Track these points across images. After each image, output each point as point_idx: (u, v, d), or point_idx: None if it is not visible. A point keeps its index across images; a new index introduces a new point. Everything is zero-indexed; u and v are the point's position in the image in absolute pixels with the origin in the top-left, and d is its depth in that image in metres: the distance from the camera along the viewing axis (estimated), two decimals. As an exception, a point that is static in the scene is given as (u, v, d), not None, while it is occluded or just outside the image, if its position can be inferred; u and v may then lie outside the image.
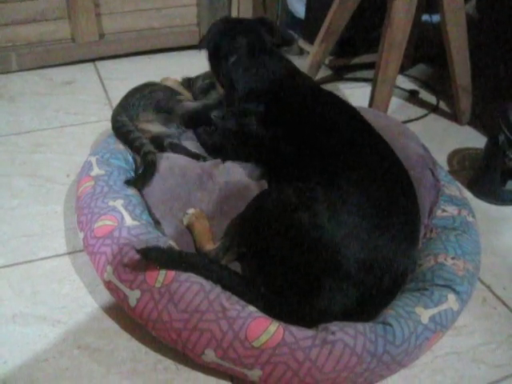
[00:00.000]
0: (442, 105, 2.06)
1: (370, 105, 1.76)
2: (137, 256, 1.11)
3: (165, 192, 1.35)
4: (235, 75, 1.45)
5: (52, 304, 1.20)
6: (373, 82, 1.75)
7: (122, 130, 1.48)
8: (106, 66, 2.16)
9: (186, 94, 1.61)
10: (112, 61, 2.19)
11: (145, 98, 1.50)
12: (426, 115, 1.98)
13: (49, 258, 1.31)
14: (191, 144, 1.54)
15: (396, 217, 1.11)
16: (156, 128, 1.50)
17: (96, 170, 1.37)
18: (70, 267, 1.29)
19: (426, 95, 2.13)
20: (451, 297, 1.13)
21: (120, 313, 1.16)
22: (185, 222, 1.31)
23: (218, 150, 1.49)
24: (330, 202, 1.09)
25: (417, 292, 1.14)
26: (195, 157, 1.47)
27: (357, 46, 2.16)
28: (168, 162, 1.42)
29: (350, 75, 2.21)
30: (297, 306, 1.07)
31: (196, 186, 1.38)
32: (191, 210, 1.32)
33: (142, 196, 1.35)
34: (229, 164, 1.45)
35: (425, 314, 1.08)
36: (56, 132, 1.75)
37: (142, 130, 1.49)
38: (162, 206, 1.33)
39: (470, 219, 1.34)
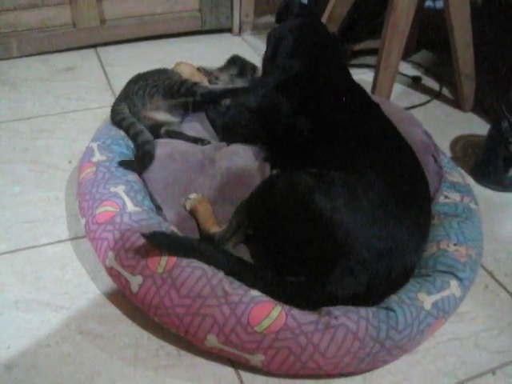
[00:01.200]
0: (445, 91, 2.05)
1: (373, 91, 1.75)
2: (139, 242, 1.11)
3: (166, 178, 1.35)
4: (289, 34, 1.51)
5: (54, 290, 1.20)
6: (375, 68, 1.74)
7: (116, 118, 1.49)
8: (107, 52, 2.15)
9: (202, 79, 1.59)
10: (113, 46, 2.17)
11: (149, 86, 1.49)
12: (428, 101, 1.96)
13: (51, 244, 1.31)
14: (192, 127, 1.54)
15: (412, 207, 1.12)
16: (160, 116, 1.49)
17: (97, 156, 1.36)
18: (72, 253, 1.29)
19: (428, 81, 2.11)
20: (453, 283, 1.12)
21: (122, 299, 1.16)
22: (188, 207, 1.31)
23: (228, 130, 1.49)
24: (348, 187, 1.09)
25: (419, 278, 1.14)
26: (194, 141, 1.46)
27: (359, 32, 2.14)
28: (169, 147, 1.41)
29: (352, 61, 2.18)
30: (306, 288, 1.07)
31: (197, 171, 1.38)
32: (193, 195, 1.32)
33: (144, 182, 1.35)
34: (232, 148, 1.45)
35: (427, 300, 1.08)
36: (58, 118, 1.74)
37: (145, 118, 1.49)
38: (163, 192, 1.33)
39: (473, 206, 1.33)
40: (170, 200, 1.32)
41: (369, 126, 1.28)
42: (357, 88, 1.41)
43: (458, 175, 1.44)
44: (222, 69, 1.64)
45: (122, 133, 1.46)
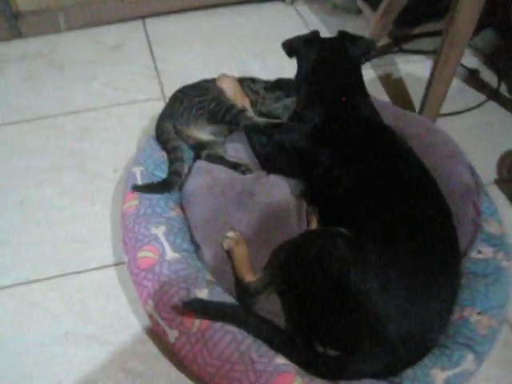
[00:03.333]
0: (503, 89, 1.93)
1: (423, 103, 1.68)
2: (176, 297, 1.19)
3: (205, 214, 1.39)
4: (302, 82, 1.47)
5: (100, 322, 1.30)
6: (428, 80, 1.65)
7: (161, 137, 1.51)
8: (155, 26, 2.09)
9: (244, 101, 1.56)
10: (162, 19, 2.11)
11: (195, 108, 1.49)
12: (483, 103, 1.86)
13: (97, 269, 1.41)
14: (234, 148, 1.56)
15: (442, 287, 1.13)
16: (204, 136, 1.51)
17: (140, 187, 1.42)
18: (116, 281, 1.38)
19: (487, 74, 1.98)
20: (470, 357, 1.17)
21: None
22: (224, 247, 1.35)
23: (268, 161, 1.50)
24: (382, 270, 1.11)
25: (437, 350, 1.18)
26: (234, 166, 1.49)
27: (420, 14, 1.99)
28: (210, 178, 1.45)
29: (409, 45, 2.06)
30: (330, 362, 1.13)
31: (236, 205, 1.41)
32: (230, 234, 1.36)
33: (185, 215, 1.41)
34: (271, 179, 1.47)
35: (440, 376, 1.13)
36: (103, 114, 1.77)
37: (189, 137, 1.51)
38: (202, 229, 1.38)
39: (505, 263, 1.33)
40: (209, 238, 1.36)
41: (401, 180, 1.26)
42: (384, 131, 1.37)
43: (497, 223, 1.41)
44: (267, 88, 1.59)
45: (164, 155, 1.50)
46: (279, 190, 1.45)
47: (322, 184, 1.36)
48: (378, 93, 1.87)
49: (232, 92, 1.55)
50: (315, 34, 1.51)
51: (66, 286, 1.37)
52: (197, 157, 1.53)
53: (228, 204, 1.41)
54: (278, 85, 1.60)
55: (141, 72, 1.91)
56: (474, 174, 1.47)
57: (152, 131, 1.57)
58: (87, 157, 1.65)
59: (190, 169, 1.51)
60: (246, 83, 1.61)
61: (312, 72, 1.46)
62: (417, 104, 1.82)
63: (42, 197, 1.55)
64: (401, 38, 2.07)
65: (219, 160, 1.49)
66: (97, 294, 1.35)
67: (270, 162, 1.49)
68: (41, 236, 1.47)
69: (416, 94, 1.85)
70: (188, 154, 1.55)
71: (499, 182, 1.62)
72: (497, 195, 1.59)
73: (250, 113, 1.52)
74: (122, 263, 1.40)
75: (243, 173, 1.47)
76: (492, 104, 1.88)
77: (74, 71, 1.91)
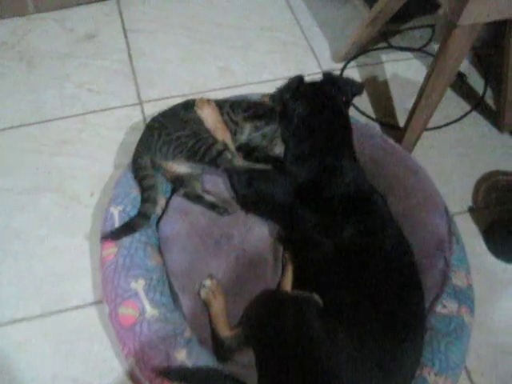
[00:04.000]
0: (489, 95, 1.89)
1: (406, 126, 1.65)
2: (155, 359, 1.26)
3: (183, 262, 1.42)
4: (290, 137, 1.46)
5: (85, 365, 1.36)
6: (413, 105, 1.61)
7: (138, 174, 1.47)
8: (130, 8, 1.93)
9: (224, 134, 1.50)
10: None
11: (173, 145, 1.44)
12: (466, 115, 1.83)
13: (78, 308, 1.44)
14: (213, 181, 1.55)
15: (407, 360, 1.22)
16: (182, 169, 1.48)
17: (118, 233, 1.42)
18: (98, 322, 1.42)
19: (475, 77, 1.92)
20: (422, 417, 1.29)
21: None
22: (202, 297, 1.40)
23: (247, 202, 1.50)
24: (349, 357, 1.16)
25: None
26: (211, 207, 1.49)
27: (412, 8, 1.87)
28: (188, 222, 1.46)
29: (398, 40, 1.96)
30: None
31: (213, 252, 1.44)
32: (208, 282, 1.40)
33: (164, 261, 1.43)
34: (249, 222, 1.49)
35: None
36: (79, 123, 1.70)
37: (167, 171, 1.49)
38: (180, 277, 1.41)
39: (468, 319, 1.40)
40: (187, 287, 1.40)
41: (375, 253, 1.30)
42: (365, 197, 1.38)
43: (464, 275, 1.47)
44: (246, 118, 1.53)
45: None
46: (256, 232, 1.48)
47: (299, 240, 1.38)
48: (361, 100, 1.82)
49: (212, 123, 1.49)
50: (300, 80, 1.45)
51: (50, 326, 1.41)
52: (175, 190, 1.52)
53: (206, 252, 1.44)
54: (257, 114, 1.54)
55: (116, 70, 1.81)
56: (448, 219, 1.49)
57: (128, 146, 1.53)
58: (64, 175, 1.61)
59: (167, 204, 1.51)
60: (226, 111, 1.54)
61: (299, 129, 1.43)
62: (399, 116, 1.80)
63: (20, 226, 1.54)
64: (389, 33, 1.96)
65: (197, 200, 1.49)
66: (80, 336, 1.40)
67: (248, 204, 1.50)
68: (21, 270, 1.48)
69: (400, 105, 1.82)
70: (167, 186, 1.53)
71: (473, 211, 1.64)
72: (469, 225, 1.63)
73: (232, 148, 1.48)
74: (102, 302, 1.43)
75: (221, 214, 1.48)
76: (475, 115, 1.85)
77: (46, 68, 1.79)
